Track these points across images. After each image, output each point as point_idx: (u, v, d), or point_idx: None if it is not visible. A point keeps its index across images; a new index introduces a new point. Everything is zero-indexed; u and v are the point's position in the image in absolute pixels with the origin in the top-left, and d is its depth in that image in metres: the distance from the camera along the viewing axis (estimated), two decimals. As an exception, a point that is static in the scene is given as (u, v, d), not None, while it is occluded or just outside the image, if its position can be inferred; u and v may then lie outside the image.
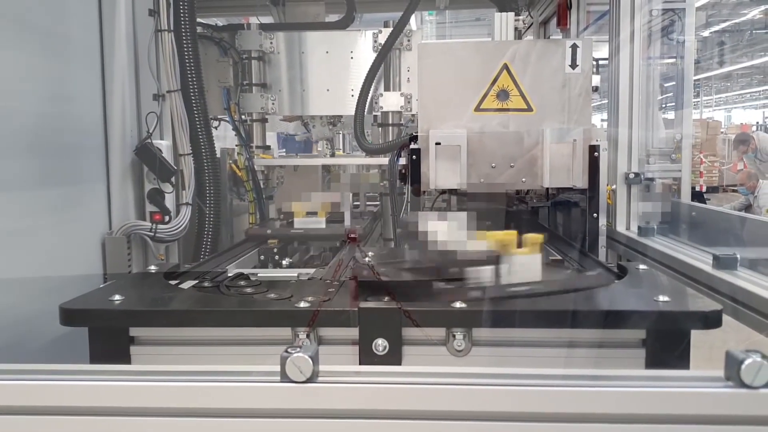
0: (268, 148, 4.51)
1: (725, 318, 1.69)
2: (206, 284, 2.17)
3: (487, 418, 1.06)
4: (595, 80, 2.84)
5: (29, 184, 2.72)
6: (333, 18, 6.51)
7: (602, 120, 7.13)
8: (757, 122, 25.10)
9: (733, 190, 13.47)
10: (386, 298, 1.80)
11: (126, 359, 1.80)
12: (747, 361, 1.00)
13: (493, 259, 1.98)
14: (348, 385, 1.08)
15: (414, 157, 2.79)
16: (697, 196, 7.06)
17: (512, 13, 3.02)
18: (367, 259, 2.28)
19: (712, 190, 14.36)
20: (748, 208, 8.58)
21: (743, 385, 1.00)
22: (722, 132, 17.59)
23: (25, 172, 2.70)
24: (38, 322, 2.48)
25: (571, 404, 1.05)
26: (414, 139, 2.87)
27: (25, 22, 2.72)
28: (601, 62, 3.24)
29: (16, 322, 2.54)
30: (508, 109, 2.77)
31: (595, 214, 2.75)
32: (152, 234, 3.36)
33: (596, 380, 1.08)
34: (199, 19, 3.77)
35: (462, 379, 1.09)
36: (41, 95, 2.83)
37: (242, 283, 2.15)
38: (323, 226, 3.59)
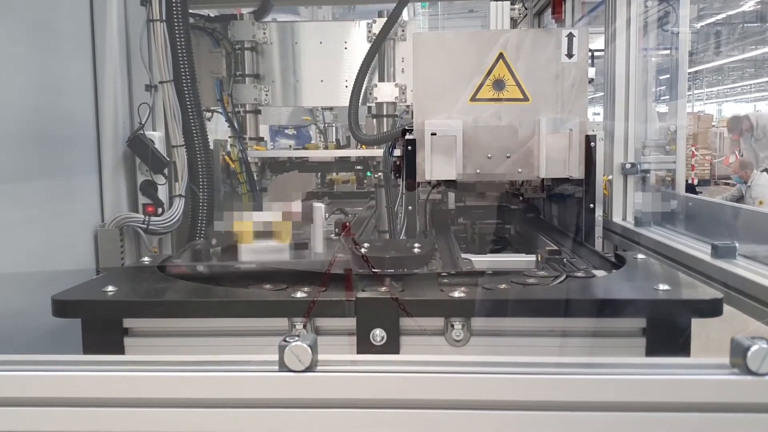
0: (262, 139, 4.49)
1: (725, 307, 1.68)
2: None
3: (486, 407, 1.05)
4: (590, 72, 2.82)
5: (20, 177, 2.69)
6: (326, 10, 6.47)
7: (595, 114, 7.13)
8: (740, 151, 25.09)
9: (725, 183, 13.53)
10: (383, 288, 1.79)
11: (120, 351, 1.78)
12: (753, 348, 0.99)
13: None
14: (347, 374, 1.06)
15: (409, 147, 2.77)
16: (689, 189, 7.06)
17: (508, 2, 3.00)
18: (363, 250, 2.26)
19: (704, 183, 14.42)
20: (740, 199, 8.58)
21: (749, 372, 0.99)
22: (714, 125, 17.65)
23: (16, 165, 2.67)
24: (30, 315, 2.46)
25: (573, 392, 1.03)
26: (407, 131, 2.85)
27: (15, 13, 2.68)
28: (595, 54, 3.23)
29: (8, 315, 2.51)
30: (503, 99, 2.75)
31: (591, 205, 2.74)
32: (145, 226, 3.34)
33: (599, 368, 1.07)
34: (191, 10, 3.74)
35: (461, 367, 1.07)
36: (32, 86, 2.80)
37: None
38: (287, 257, 2.39)
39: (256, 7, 4.37)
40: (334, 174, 5.71)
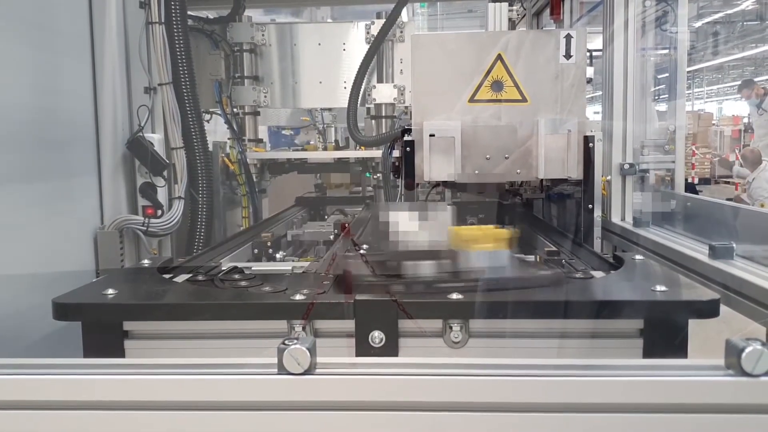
0: (261, 141, 4.50)
1: (722, 307, 1.69)
2: (200, 278, 2.15)
3: (485, 409, 1.05)
4: (589, 72, 2.83)
5: (20, 178, 2.69)
6: (325, 11, 6.47)
7: (595, 113, 7.13)
8: (749, 114, 25.10)
9: (725, 182, 13.52)
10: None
11: (120, 353, 1.78)
12: (747, 350, 1.00)
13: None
14: (346, 376, 1.07)
15: (408, 149, 2.77)
16: (689, 188, 7.01)
17: (506, 3, 3.00)
18: (361, 251, 2.27)
19: (704, 182, 14.41)
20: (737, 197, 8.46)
21: (744, 373, 1.00)
22: (714, 124, 17.63)
23: (16, 166, 2.68)
24: (31, 318, 2.46)
25: (571, 394, 1.04)
26: (406, 132, 2.85)
27: (14, 15, 2.69)
28: (594, 53, 3.24)
29: (8, 317, 2.52)
30: (502, 100, 2.76)
31: (590, 206, 2.74)
32: (145, 228, 3.35)
33: (596, 369, 1.07)
34: (190, 12, 3.75)
35: (460, 370, 1.08)
36: (31, 88, 2.80)
37: (236, 276, 2.14)
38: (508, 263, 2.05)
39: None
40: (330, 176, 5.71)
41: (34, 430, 1.08)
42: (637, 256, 2.21)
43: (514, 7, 3.76)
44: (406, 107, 4.20)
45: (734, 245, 2.23)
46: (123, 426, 1.08)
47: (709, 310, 1.62)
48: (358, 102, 4.03)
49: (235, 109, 4.33)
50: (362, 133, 4.11)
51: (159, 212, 3.45)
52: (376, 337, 1.69)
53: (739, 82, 25.34)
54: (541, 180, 2.86)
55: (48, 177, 2.88)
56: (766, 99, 10.19)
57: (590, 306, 1.71)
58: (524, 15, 4.86)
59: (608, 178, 3.20)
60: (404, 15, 4.35)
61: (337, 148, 5.01)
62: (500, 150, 2.75)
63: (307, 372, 1.05)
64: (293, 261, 3.37)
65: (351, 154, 4.47)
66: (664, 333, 1.65)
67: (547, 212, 3.35)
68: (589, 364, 1.09)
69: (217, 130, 4.62)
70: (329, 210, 5.11)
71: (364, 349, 1.68)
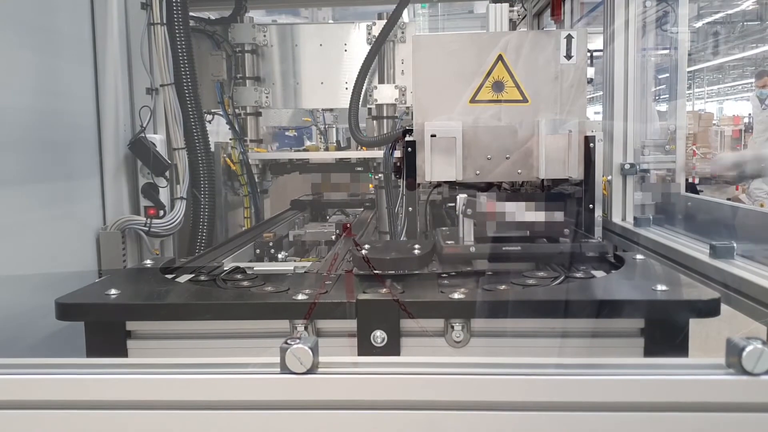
0: (262, 141, 4.51)
1: (722, 307, 1.69)
2: (202, 278, 2.16)
3: (486, 408, 1.06)
4: (589, 72, 2.83)
5: (22, 180, 2.70)
6: (327, 11, 6.48)
7: (596, 113, 7.13)
8: (749, 113, 25.08)
9: (726, 182, 13.49)
10: (384, 290, 1.80)
11: (123, 353, 1.79)
12: (748, 348, 1.00)
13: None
14: (348, 376, 1.07)
15: (409, 149, 2.78)
16: (690, 188, 6.98)
17: (506, 4, 3.00)
18: (363, 251, 2.27)
19: (705, 182, 14.38)
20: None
21: (744, 372, 1.00)
22: (714, 124, 17.61)
23: (18, 168, 2.68)
24: (34, 318, 2.47)
25: (572, 393, 1.04)
26: (407, 132, 2.86)
27: (16, 16, 2.70)
28: (594, 54, 3.24)
29: (11, 318, 2.53)
30: (503, 101, 2.76)
31: (590, 205, 2.75)
32: (147, 229, 3.35)
33: (597, 369, 1.08)
34: (191, 13, 3.75)
35: (461, 369, 1.08)
36: (33, 90, 2.81)
37: (239, 276, 2.15)
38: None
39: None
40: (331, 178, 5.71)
41: (37, 430, 1.09)
42: (638, 256, 2.21)
43: (515, 8, 3.77)
44: (408, 108, 4.21)
45: (735, 245, 2.23)
46: (126, 426, 1.08)
47: (709, 309, 1.62)
48: (360, 102, 4.03)
49: (236, 110, 4.34)
50: (364, 134, 4.12)
51: (161, 213, 3.46)
52: (378, 336, 1.69)
53: (738, 82, 25.34)
54: (542, 180, 2.86)
55: (50, 178, 2.89)
56: None
57: (591, 305, 1.72)
58: (525, 16, 4.87)
59: (609, 178, 3.20)
60: (405, 16, 4.35)
61: (339, 148, 5.02)
62: (501, 150, 2.76)
63: (310, 371, 1.06)
64: (295, 261, 3.38)
65: (352, 154, 4.48)
66: (665, 332, 1.66)
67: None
68: (591, 363, 1.10)
69: (219, 131, 4.63)
70: (330, 210, 5.12)
71: (366, 348, 1.69)
